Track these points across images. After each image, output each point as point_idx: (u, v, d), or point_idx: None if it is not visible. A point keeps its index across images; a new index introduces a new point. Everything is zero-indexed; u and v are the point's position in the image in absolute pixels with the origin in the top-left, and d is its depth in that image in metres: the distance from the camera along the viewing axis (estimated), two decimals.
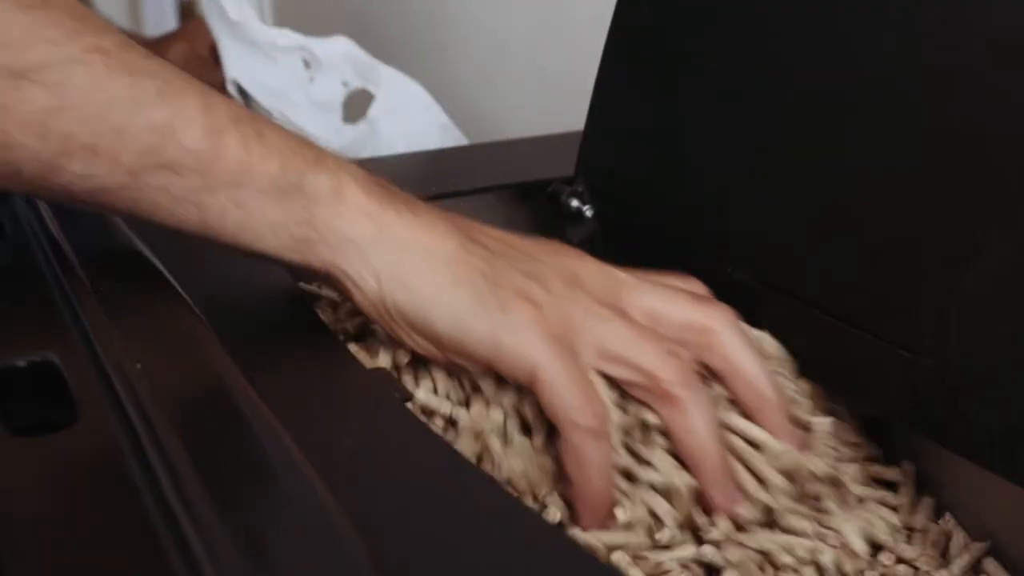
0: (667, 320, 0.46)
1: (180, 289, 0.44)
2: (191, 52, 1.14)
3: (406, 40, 1.25)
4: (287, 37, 0.95)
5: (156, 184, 0.43)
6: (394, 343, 0.46)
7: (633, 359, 0.43)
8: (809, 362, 0.52)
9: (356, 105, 0.95)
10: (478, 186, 0.68)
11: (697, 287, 0.50)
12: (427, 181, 0.69)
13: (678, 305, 0.47)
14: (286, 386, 0.40)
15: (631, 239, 0.62)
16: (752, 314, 0.54)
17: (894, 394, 0.46)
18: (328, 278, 0.44)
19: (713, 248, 0.56)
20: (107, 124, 0.42)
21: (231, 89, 0.93)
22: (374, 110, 0.92)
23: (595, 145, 0.63)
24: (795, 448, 0.45)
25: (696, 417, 0.43)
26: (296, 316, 0.47)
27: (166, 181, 0.43)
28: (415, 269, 0.43)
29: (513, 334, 0.42)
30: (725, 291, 0.55)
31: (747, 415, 0.46)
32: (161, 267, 0.46)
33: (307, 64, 0.95)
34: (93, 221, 0.51)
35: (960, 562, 0.46)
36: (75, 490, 0.33)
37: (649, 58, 0.59)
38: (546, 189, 0.66)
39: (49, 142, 0.41)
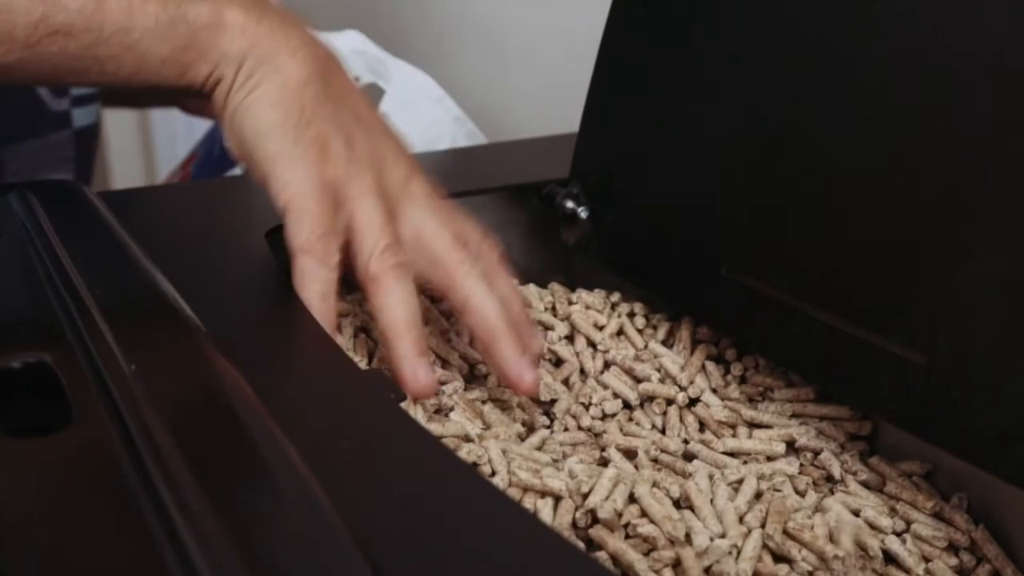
0: (425, 245, 0.51)
1: (175, 290, 0.44)
2: None
3: (408, 38, 1.25)
4: None
5: (53, 50, 0.48)
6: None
7: (362, 240, 0.49)
8: (802, 362, 0.53)
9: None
10: (474, 187, 0.68)
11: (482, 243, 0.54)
12: None
13: (441, 238, 0.51)
14: (281, 387, 0.40)
15: (626, 240, 0.62)
16: (746, 314, 0.54)
17: (887, 394, 0.47)
18: (202, 90, 0.51)
19: (707, 249, 0.56)
20: None
21: None
22: (385, 104, 0.92)
23: (589, 147, 0.63)
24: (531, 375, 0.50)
25: (394, 296, 0.48)
26: (291, 317, 0.47)
27: (61, 45, 0.48)
28: (261, 85, 0.50)
29: (290, 164, 0.48)
30: (719, 291, 0.55)
31: (483, 352, 0.52)
32: (156, 269, 0.46)
33: None
34: (89, 223, 0.51)
35: None
36: (70, 492, 0.33)
37: (642, 61, 0.59)
38: (541, 191, 0.66)
39: None
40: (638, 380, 0.57)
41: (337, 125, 0.50)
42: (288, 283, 0.48)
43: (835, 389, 0.53)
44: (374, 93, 0.94)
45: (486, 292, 0.50)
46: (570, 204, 0.64)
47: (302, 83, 0.50)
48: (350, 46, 0.94)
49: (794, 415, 0.54)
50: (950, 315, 0.44)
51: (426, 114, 0.93)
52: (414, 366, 0.47)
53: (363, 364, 0.52)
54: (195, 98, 0.53)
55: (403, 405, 0.43)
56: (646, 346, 0.60)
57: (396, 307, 0.48)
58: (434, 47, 1.22)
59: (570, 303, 0.64)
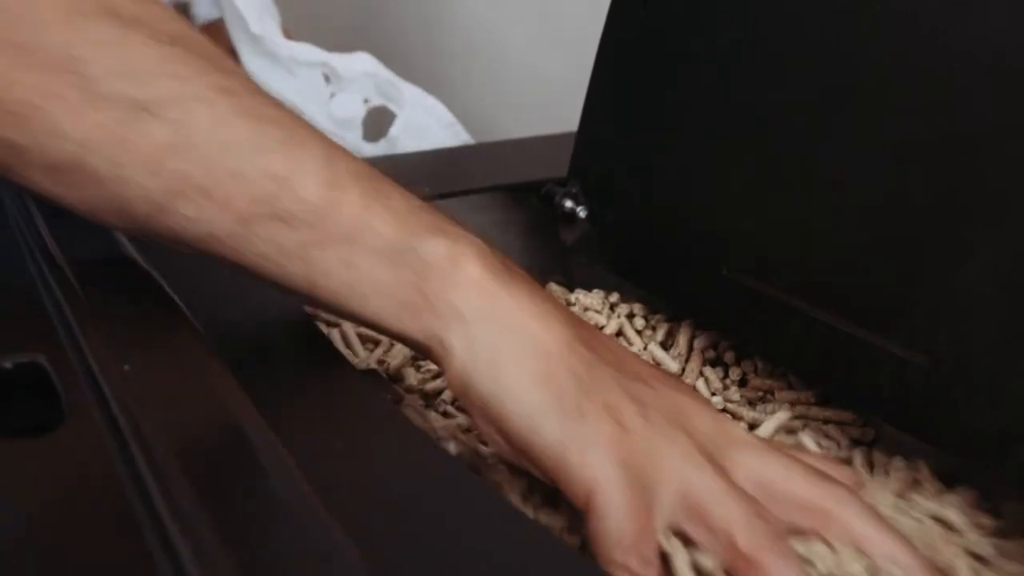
0: (780, 493, 0.40)
1: (168, 290, 0.43)
2: None
3: (413, 62, 1.25)
4: (308, 52, 0.94)
5: (266, 235, 0.41)
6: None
7: (714, 516, 0.37)
8: (803, 363, 0.52)
9: (376, 123, 0.95)
10: (472, 187, 0.68)
11: (838, 472, 0.43)
12: (420, 182, 0.68)
13: (795, 479, 0.40)
14: (276, 388, 0.40)
15: (625, 240, 0.62)
16: (746, 315, 0.54)
17: (887, 395, 0.46)
18: (425, 348, 0.41)
19: (707, 249, 0.55)
20: (224, 167, 0.40)
21: None
22: (395, 128, 0.92)
23: (588, 146, 0.63)
24: None
25: None
26: (287, 317, 0.47)
27: (277, 233, 0.40)
28: (510, 355, 0.40)
29: (582, 449, 0.38)
30: (719, 292, 0.55)
31: None
32: (149, 269, 0.46)
33: (327, 79, 0.94)
34: (82, 223, 0.51)
35: None
36: (62, 492, 0.32)
37: (642, 60, 0.59)
38: (539, 190, 0.66)
39: (162, 180, 0.40)
40: None
41: (624, 390, 0.40)
42: None
43: (835, 390, 0.52)
44: (385, 117, 0.93)
45: (882, 528, 0.39)
46: (569, 204, 0.64)
47: (566, 351, 0.40)
48: (361, 68, 0.94)
49: (796, 418, 0.53)
50: (950, 315, 0.43)
51: (436, 139, 0.93)
52: None
53: None
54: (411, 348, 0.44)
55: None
56: (645, 347, 0.60)
57: None
58: (440, 71, 1.22)
59: (568, 304, 0.63)
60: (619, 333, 0.61)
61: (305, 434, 0.37)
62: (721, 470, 0.39)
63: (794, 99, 0.51)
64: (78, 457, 0.34)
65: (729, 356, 0.58)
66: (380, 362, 0.57)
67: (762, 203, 0.52)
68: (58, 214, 0.50)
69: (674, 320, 0.62)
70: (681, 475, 0.38)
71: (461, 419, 0.51)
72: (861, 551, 0.38)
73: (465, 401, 0.41)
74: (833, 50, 0.49)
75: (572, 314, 0.43)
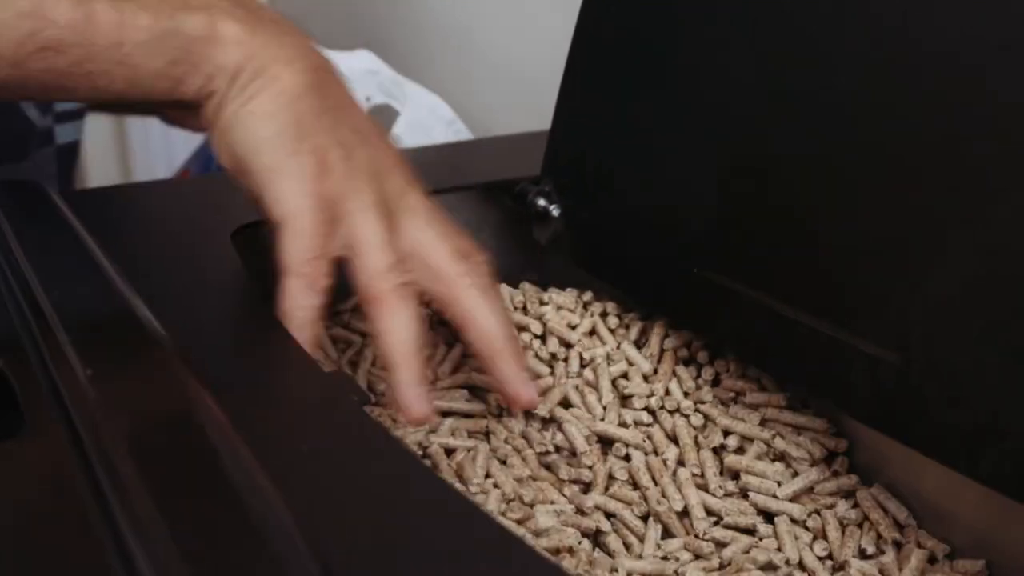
0: (424, 258, 0.49)
1: (131, 293, 0.43)
2: None
3: (411, 59, 1.25)
4: None
5: (42, 67, 0.46)
6: None
7: (366, 256, 0.47)
8: (774, 361, 0.52)
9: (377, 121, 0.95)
10: (445, 186, 0.67)
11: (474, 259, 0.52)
12: None
13: (440, 250, 0.50)
14: (242, 390, 0.39)
15: (598, 238, 0.61)
16: (718, 313, 0.54)
17: (859, 393, 0.46)
18: (198, 104, 0.49)
19: (679, 248, 0.55)
20: None
21: None
22: (398, 127, 0.91)
23: (561, 145, 0.63)
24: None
25: (397, 320, 0.47)
26: (252, 319, 0.46)
27: (50, 61, 0.46)
28: (253, 94, 0.48)
29: (285, 178, 0.47)
30: (691, 290, 0.54)
31: (483, 366, 0.51)
32: (113, 271, 0.45)
33: None
34: (48, 223, 0.51)
35: None
36: (21, 499, 0.32)
37: (614, 58, 0.59)
38: (513, 189, 0.65)
39: None
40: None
41: (335, 137, 0.48)
42: (252, 285, 0.48)
43: (807, 388, 0.52)
44: (388, 114, 0.93)
45: (488, 307, 0.49)
46: (542, 202, 0.63)
47: (299, 94, 0.48)
48: (363, 66, 0.93)
49: (766, 421, 0.53)
50: (922, 315, 0.43)
51: (438, 137, 0.92)
52: (414, 394, 0.46)
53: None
54: (180, 109, 0.52)
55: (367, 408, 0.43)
56: (619, 346, 0.60)
57: (398, 331, 0.47)
58: (440, 69, 1.21)
59: (542, 303, 0.63)
60: (592, 332, 0.61)
61: (270, 437, 0.36)
62: (389, 224, 0.48)
63: (767, 99, 0.50)
64: (38, 464, 0.33)
65: (702, 355, 0.58)
66: (351, 363, 0.57)
67: (734, 202, 0.52)
68: (22, 219, 0.50)
69: (647, 319, 0.61)
70: (356, 218, 0.47)
71: None
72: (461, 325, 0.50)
73: (211, 128, 0.49)
74: (806, 49, 0.48)
75: (321, 60, 0.51)
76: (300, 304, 0.46)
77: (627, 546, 0.47)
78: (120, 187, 0.66)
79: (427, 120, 0.93)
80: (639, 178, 0.58)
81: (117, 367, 0.38)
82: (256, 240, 0.55)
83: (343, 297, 0.61)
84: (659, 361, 0.58)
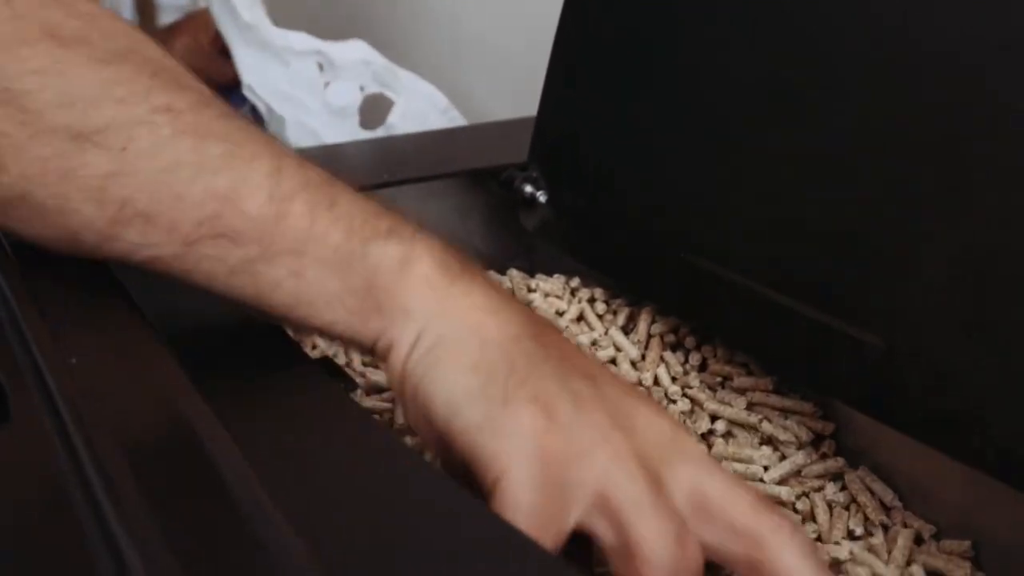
0: (716, 513, 0.37)
1: (116, 282, 0.43)
2: (195, 45, 1.11)
3: (405, 49, 1.24)
4: (302, 41, 0.92)
5: (212, 254, 0.40)
6: None
7: (626, 521, 0.35)
8: (761, 346, 0.52)
9: (372, 111, 0.94)
10: (432, 173, 0.67)
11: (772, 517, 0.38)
12: (379, 168, 0.68)
13: (737, 502, 0.37)
14: (227, 378, 0.39)
15: (585, 225, 0.61)
16: (704, 298, 0.54)
17: (845, 378, 0.46)
18: (373, 348, 0.41)
19: (667, 234, 0.55)
20: (167, 191, 0.39)
21: (247, 93, 0.92)
22: (393, 116, 0.91)
23: (548, 131, 0.63)
24: None
25: None
26: (237, 308, 0.46)
27: (223, 251, 0.40)
28: (451, 344, 0.39)
29: (499, 436, 0.36)
30: (678, 276, 0.55)
31: None
32: (97, 263, 0.45)
33: (321, 68, 0.93)
34: None
35: None
36: (6, 490, 0.32)
37: (599, 44, 0.59)
38: (500, 175, 0.65)
39: (106, 209, 0.39)
40: None
41: (561, 382, 0.38)
42: None
43: (793, 372, 0.53)
44: (382, 104, 0.93)
45: (816, 566, 0.37)
46: (529, 189, 0.64)
47: (509, 339, 0.39)
48: (356, 56, 0.93)
49: (753, 405, 0.53)
50: (906, 300, 0.44)
51: (433, 124, 0.92)
52: None
53: None
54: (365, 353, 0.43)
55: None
56: (606, 332, 0.60)
57: None
58: (434, 58, 1.21)
59: (529, 290, 0.63)
60: (580, 318, 0.61)
61: (255, 425, 0.36)
62: (656, 481, 0.37)
63: (754, 87, 0.50)
64: (23, 454, 0.33)
65: (690, 341, 0.58)
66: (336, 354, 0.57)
67: (721, 188, 0.52)
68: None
69: (635, 305, 0.62)
70: (605, 478, 0.36)
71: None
72: None
73: (400, 391, 0.40)
74: (796, 36, 0.48)
75: (530, 311, 0.42)
76: None
77: None
78: None
79: (422, 108, 0.93)
80: (625, 164, 0.58)
81: (103, 355, 0.38)
82: None
83: None
84: (647, 347, 0.58)
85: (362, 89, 0.93)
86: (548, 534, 0.35)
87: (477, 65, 1.14)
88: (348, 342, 0.41)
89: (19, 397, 0.35)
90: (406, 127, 0.90)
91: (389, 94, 0.92)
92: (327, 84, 0.93)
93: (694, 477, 0.37)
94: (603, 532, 0.36)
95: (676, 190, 0.55)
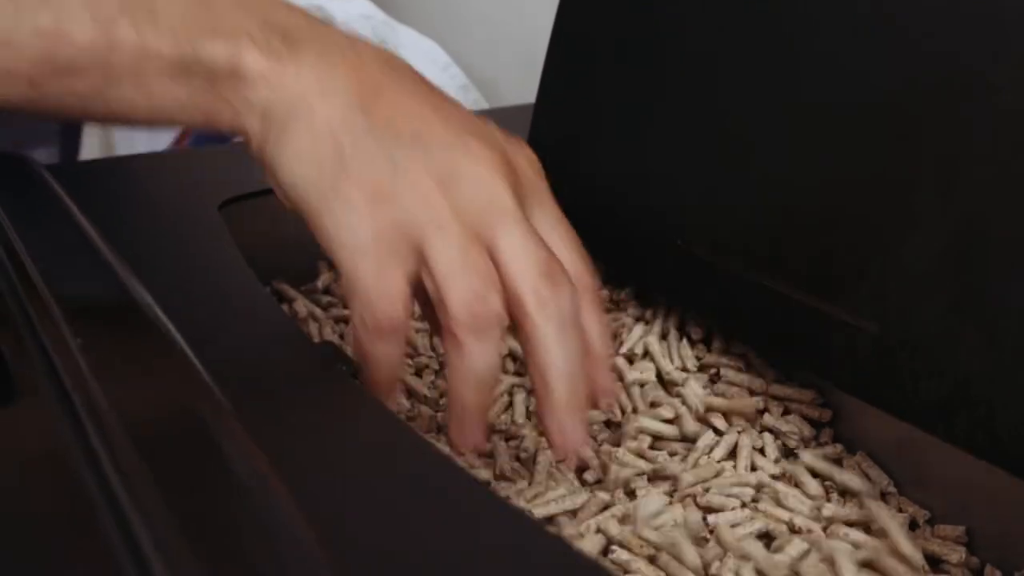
0: (504, 277, 0.42)
1: (120, 264, 0.43)
2: None
3: (408, 3, 1.24)
4: None
5: (60, 89, 0.43)
6: None
7: (442, 289, 0.42)
8: (755, 332, 0.53)
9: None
10: None
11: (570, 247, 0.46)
12: None
13: (523, 272, 0.42)
14: (232, 361, 0.40)
15: (583, 211, 0.62)
16: (700, 285, 0.54)
17: (839, 362, 0.47)
18: (235, 134, 0.45)
19: (664, 219, 0.56)
20: None
21: None
22: None
23: (546, 118, 0.63)
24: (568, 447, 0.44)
25: (469, 364, 0.42)
26: (242, 290, 0.47)
27: (68, 84, 0.43)
28: (291, 131, 0.43)
29: (334, 220, 0.42)
30: (675, 262, 0.55)
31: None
32: (101, 243, 0.45)
33: None
34: (36, 196, 0.51)
35: None
36: (14, 469, 0.32)
37: (600, 30, 0.59)
38: None
39: None
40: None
41: (385, 157, 0.42)
42: (240, 256, 0.48)
43: (787, 357, 0.53)
44: None
45: (557, 345, 0.43)
46: None
47: (338, 123, 0.43)
48: (356, 11, 0.92)
49: (755, 394, 0.54)
50: (898, 284, 0.44)
51: (434, 81, 0.92)
52: (468, 433, 0.43)
53: None
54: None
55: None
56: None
57: (468, 376, 0.42)
58: (434, 14, 1.20)
59: None
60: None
61: (259, 408, 0.37)
62: (471, 239, 0.42)
63: (746, 74, 0.51)
64: (31, 433, 0.34)
65: (696, 332, 0.58)
66: (342, 336, 0.58)
67: (716, 175, 0.53)
68: (10, 188, 0.50)
69: (638, 297, 0.62)
70: (427, 242, 0.41)
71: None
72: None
73: (264, 169, 0.44)
74: (789, 23, 0.49)
75: (369, 70, 0.45)
76: (375, 363, 0.42)
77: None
78: (107, 160, 0.66)
79: (421, 64, 0.92)
80: (624, 151, 0.58)
81: (108, 338, 0.38)
82: (243, 212, 0.55)
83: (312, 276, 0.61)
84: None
85: None
86: (389, 299, 0.41)
87: (477, 22, 1.13)
88: (215, 130, 0.45)
89: (25, 376, 0.36)
90: None
91: (388, 49, 0.92)
92: None
93: (502, 235, 0.42)
94: (430, 289, 0.42)
95: (672, 177, 0.55)
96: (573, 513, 0.45)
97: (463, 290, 0.41)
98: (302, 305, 0.58)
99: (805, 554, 0.42)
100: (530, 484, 0.48)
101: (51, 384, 0.35)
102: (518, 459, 0.49)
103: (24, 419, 0.34)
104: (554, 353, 0.42)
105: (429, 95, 0.46)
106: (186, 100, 0.44)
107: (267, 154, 0.43)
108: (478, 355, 0.42)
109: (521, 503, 0.45)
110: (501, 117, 0.78)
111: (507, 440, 0.50)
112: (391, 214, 0.41)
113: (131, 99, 0.44)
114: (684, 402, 0.54)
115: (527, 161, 0.47)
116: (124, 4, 0.43)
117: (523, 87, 1.07)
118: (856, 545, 0.44)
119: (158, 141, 1.11)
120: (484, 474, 0.46)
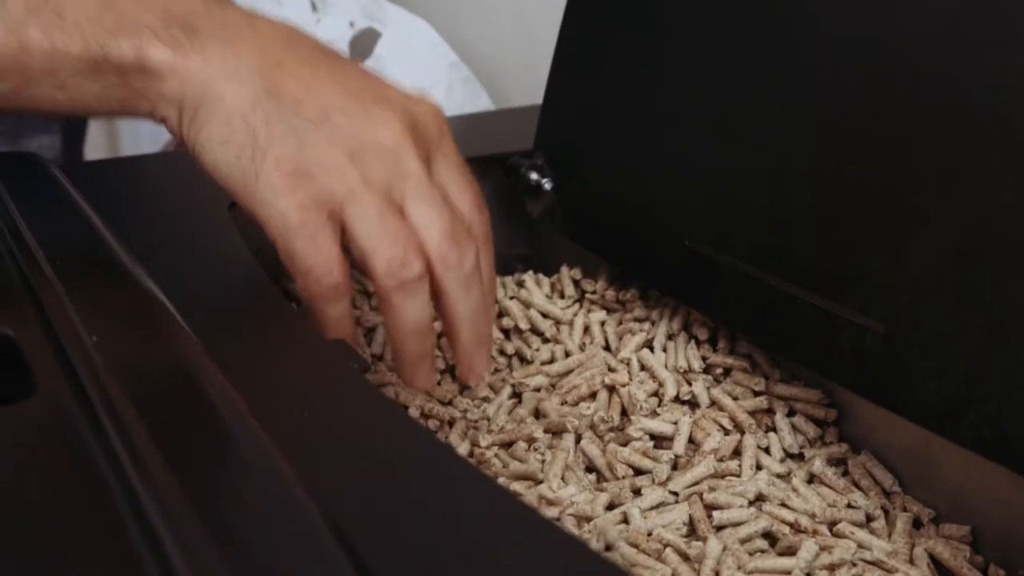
0: (418, 239, 0.46)
1: (136, 263, 0.44)
2: None
3: None
4: None
5: None
6: None
7: (366, 256, 0.45)
8: (763, 331, 0.53)
9: (362, 45, 0.94)
10: None
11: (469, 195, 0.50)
12: None
13: (432, 235, 0.46)
14: (243, 356, 0.40)
15: (589, 211, 0.62)
16: (708, 284, 0.55)
17: (846, 361, 0.47)
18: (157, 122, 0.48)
19: (670, 220, 0.56)
20: None
21: None
22: (381, 47, 0.90)
23: (553, 118, 0.64)
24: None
25: (402, 319, 0.46)
26: (254, 288, 0.47)
27: None
28: (205, 119, 0.45)
29: (261, 203, 0.44)
30: (681, 262, 0.55)
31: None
32: (117, 242, 0.46)
33: (314, 7, 0.93)
34: (50, 196, 0.51)
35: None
36: (32, 462, 0.33)
37: (605, 32, 0.60)
38: (505, 162, 0.66)
39: None
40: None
41: (296, 138, 0.45)
42: (250, 255, 0.48)
43: (795, 356, 0.53)
44: (370, 37, 0.92)
45: (464, 295, 0.47)
46: (534, 176, 0.64)
47: (249, 107, 0.45)
48: None
49: (760, 394, 0.54)
50: (906, 283, 0.44)
51: (422, 60, 0.91)
52: (417, 374, 0.48)
53: None
54: None
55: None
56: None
57: (403, 329, 0.46)
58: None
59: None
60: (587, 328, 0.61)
61: (273, 403, 0.37)
62: (384, 200, 0.45)
63: (755, 73, 0.51)
64: (47, 427, 0.34)
65: (702, 332, 0.59)
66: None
67: (723, 175, 0.53)
68: (25, 191, 0.50)
69: (643, 297, 0.62)
70: (345, 212, 0.45)
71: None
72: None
73: (189, 153, 0.47)
74: (793, 24, 0.49)
75: (270, 51, 0.47)
76: (326, 321, 0.46)
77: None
78: (118, 160, 0.66)
79: (410, 42, 0.92)
80: (631, 152, 0.59)
81: (122, 333, 0.39)
82: None
83: None
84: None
85: (352, 24, 0.93)
86: (323, 276, 0.45)
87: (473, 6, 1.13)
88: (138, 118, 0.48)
89: (42, 371, 0.36)
90: (394, 60, 0.90)
91: (377, 27, 0.92)
92: (319, 21, 0.93)
93: (411, 199, 0.46)
94: (356, 256, 0.45)
95: (679, 177, 0.56)
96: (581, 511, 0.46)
97: (385, 257, 0.45)
98: None
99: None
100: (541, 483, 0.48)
101: (68, 379, 0.36)
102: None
103: (43, 413, 0.34)
104: (459, 305, 0.47)
105: (331, 67, 0.48)
106: (103, 94, 0.46)
107: (188, 141, 0.46)
108: (408, 310, 0.46)
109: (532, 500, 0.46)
110: (509, 118, 0.79)
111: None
112: (311, 191, 0.44)
113: (51, 96, 0.46)
114: (690, 402, 0.54)
115: (429, 115, 0.49)
116: (31, 8, 0.45)
117: (513, 69, 1.07)
118: (862, 546, 0.45)
119: (160, 132, 1.11)
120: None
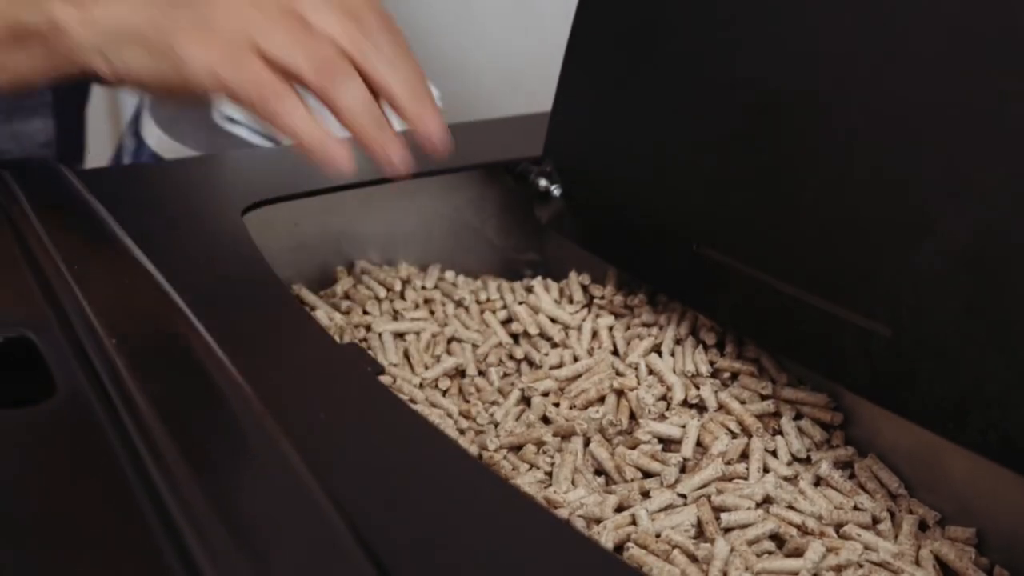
0: (327, 37, 0.51)
1: (153, 267, 0.44)
2: None
3: None
4: None
5: None
6: None
7: (292, 68, 0.50)
8: (771, 335, 0.53)
9: None
10: (448, 166, 0.68)
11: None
12: None
13: (332, 26, 0.51)
14: (261, 361, 0.41)
15: (598, 217, 0.63)
16: (715, 289, 0.55)
17: (852, 365, 0.47)
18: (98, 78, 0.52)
19: (678, 225, 0.56)
20: None
21: None
22: None
23: (562, 126, 0.64)
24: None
25: (348, 102, 0.50)
26: (268, 293, 0.47)
27: None
28: (126, 50, 0.50)
29: (191, 72, 0.49)
30: (690, 267, 0.56)
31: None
32: (135, 246, 0.46)
33: None
34: (68, 202, 0.52)
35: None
36: (54, 461, 0.33)
37: (615, 40, 0.60)
38: (515, 169, 0.66)
39: None
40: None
41: (194, 11, 0.50)
42: (264, 260, 0.49)
43: (802, 361, 0.54)
44: None
45: (388, 66, 0.52)
46: (543, 182, 0.65)
47: (151, 14, 0.51)
48: None
49: (767, 398, 0.54)
50: (911, 287, 0.45)
51: None
52: (385, 150, 0.51)
53: None
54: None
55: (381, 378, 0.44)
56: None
57: (352, 110, 0.50)
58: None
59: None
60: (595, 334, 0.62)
61: (290, 405, 0.38)
62: (290, 20, 0.50)
63: (763, 79, 0.52)
64: (68, 427, 0.35)
65: (709, 337, 0.59)
66: (362, 340, 0.58)
67: (730, 181, 0.53)
68: (42, 193, 0.51)
69: (651, 302, 0.63)
70: (259, 43, 0.49)
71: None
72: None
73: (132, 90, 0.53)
74: (800, 31, 0.50)
75: None
76: (285, 115, 0.49)
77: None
78: (133, 166, 0.67)
79: None
80: (639, 158, 0.59)
81: (141, 334, 0.39)
82: (266, 217, 0.56)
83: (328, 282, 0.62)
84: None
85: None
86: (256, 76, 0.49)
87: (456, 55, 1.14)
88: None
89: (63, 372, 0.37)
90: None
91: None
92: None
93: (312, 11, 0.50)
94: (282, 74, 0.49)
95: (687, 182, 0.56)
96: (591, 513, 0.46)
97: (307, 61, 0.50)
98: (323, 314, 0.59)
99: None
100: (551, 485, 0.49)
101: (88, 380, 0.36)
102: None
103: (64, 413, 0.35)
104: (387, 75, 0.51)
105: None
106: (36, 63, 0.52)
107: (121, 75, 0.51)
108: (349, 92, 0.50)
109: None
110: (518, 125, 0.79)
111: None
112: (222, 37, 0.50)
113: None
114: (697, 406, 0.55)
115: None
116: None
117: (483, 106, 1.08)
118: (868, 547, 0.45)
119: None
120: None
